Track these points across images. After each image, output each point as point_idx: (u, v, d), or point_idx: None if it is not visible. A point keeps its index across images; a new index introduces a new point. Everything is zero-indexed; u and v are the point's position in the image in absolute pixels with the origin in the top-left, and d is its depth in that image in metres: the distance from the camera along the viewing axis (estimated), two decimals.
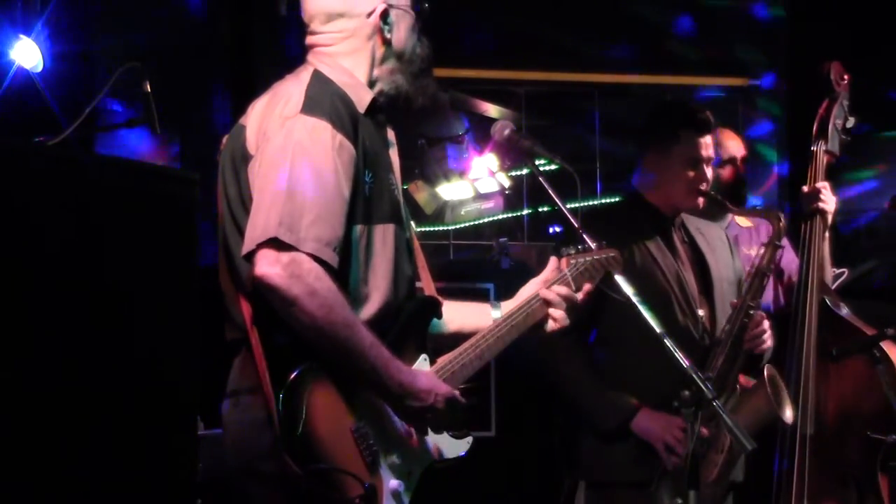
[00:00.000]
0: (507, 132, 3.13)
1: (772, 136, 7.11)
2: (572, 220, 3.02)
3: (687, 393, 2.87)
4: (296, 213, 2.50)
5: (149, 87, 3.52)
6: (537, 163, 3.12)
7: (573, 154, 7.44)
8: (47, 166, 2.28)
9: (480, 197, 6.62)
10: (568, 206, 3.03)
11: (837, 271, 5.09)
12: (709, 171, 3.79)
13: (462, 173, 6.47)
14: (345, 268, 2.61)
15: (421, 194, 6.43)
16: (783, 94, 7.00)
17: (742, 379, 3.67)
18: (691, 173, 3.75)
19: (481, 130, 6.41)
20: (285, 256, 2.47)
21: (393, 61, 2.81)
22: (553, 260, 3.04)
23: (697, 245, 3.86)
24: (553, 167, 3.18)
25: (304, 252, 2.48)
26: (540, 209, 7.40)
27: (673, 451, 3.50)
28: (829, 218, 3.97)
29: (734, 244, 4.03)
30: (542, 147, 3.12)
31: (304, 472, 2.44)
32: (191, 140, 5.58)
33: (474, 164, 6.43)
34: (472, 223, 7.13)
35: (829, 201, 3.96)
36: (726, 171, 4.44)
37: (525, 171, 6.91)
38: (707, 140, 3.79)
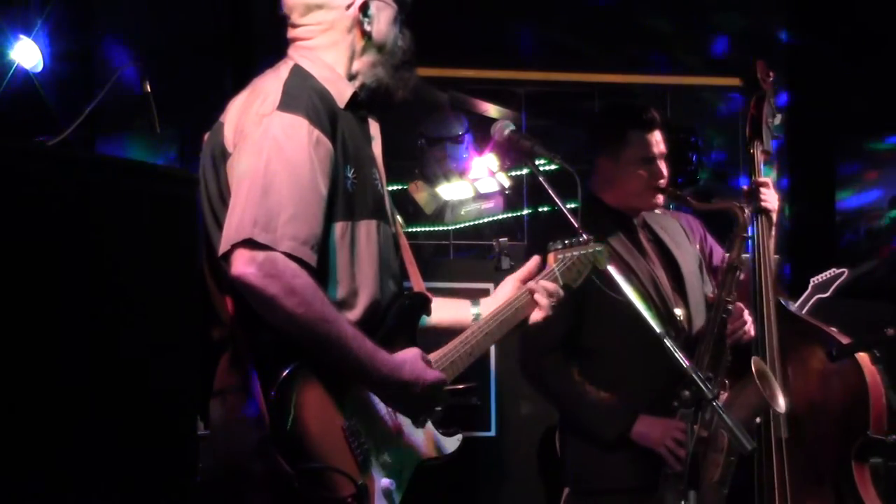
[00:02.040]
0: (507, 132, 3.13)
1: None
2: (572, 220, 3.01)
3: (687, 393, 2.87)
4: (272, 212, 2.48)
5: (149, 87, 3.52)
6: (537, 163, 3.12)
7: (573, 154, 7.42)
8: (47, 166, 2.27)
9: (480, 197, 6.60)
10: (568, 206, 3.02)
11: (837, 271, 5.09)
12: (663, 167, 3.77)
13: (462, 173, 6.45)
14: (327, 265, 2.60)
15: (421, 194, 6.41)
16: (784, 110, 7.00)
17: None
18: (645, 172, 3.74)
19: (481, 130, 6.40)
20: (261, 255, 2.46)
21: (373, 53, 2.78)
22: (534, 259, 3.02)
23: (663, 242, 3.84)
24: (553, 167, 3.17)
25: (280, 251, 2.47)
26: (540, 209, 7.39)
27: (675, 454, 3.48)
28: (774, 216, 3.94)
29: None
30: (542, 147, 3.12)
31: (295, 471, 2.43)
32: (191, 140, 5.57)
33: (474, 164, 6.42)
34: (472, 223, 7.12)
35: (771, 199, 3.93)
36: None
37: (525, 171, 6.90)
38: (656, 137, 3.77)
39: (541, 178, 3.03)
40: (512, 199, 7.09)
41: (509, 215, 7.32)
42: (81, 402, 2.25)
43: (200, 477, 2.94)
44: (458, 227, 7.09)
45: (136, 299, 2.36)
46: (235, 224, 2.50)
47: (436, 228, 7.01)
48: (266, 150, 2.54)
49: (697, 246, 4.08)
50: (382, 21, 2.80)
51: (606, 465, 3.64)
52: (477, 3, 6.91)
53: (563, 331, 3.61)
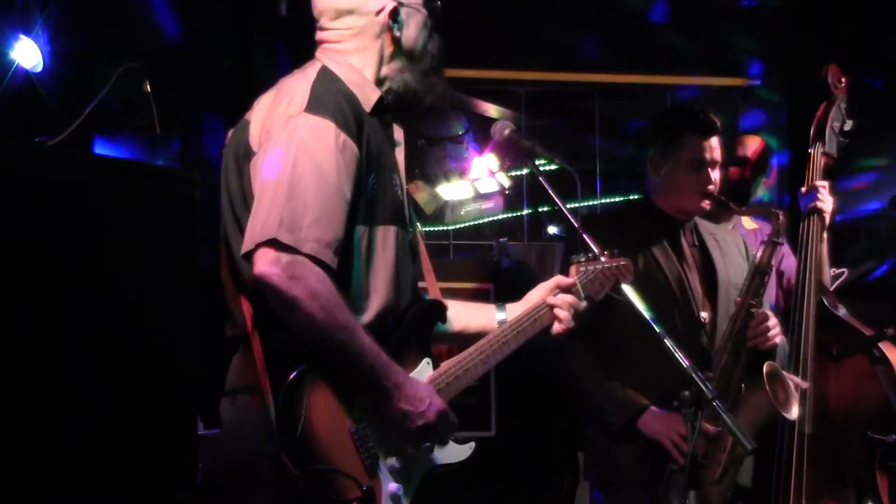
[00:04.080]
0: (507, 132, 3.13)
1: (771, 127, 7.09)
2: (573, 221, 3.01)
3: (687, 393, 2.87)
4: (297, 214, 2.48)
5: (149, 87, 3.52)
6: (537, 163, 3.12)
7: (573, 154, 7.43)
8: (47, 166, 2.28)
9: (480, 197, 6.60)
10: (568, 206, 3.02)
11: (837, 271, 5.09)
12: (714, 174, 3.79)
13: (462, 173, 6.46)
14: (346, 269, 2.59)
15: (421, 194, 6.42)
16: (782, 86, 6.99)
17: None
18: (695, 176, 3.76)
19: (481, 130, 6.40)
20: (286, 257, 2.46)
21: (402, 60, 2.78)
22: (573, 269, 3.03)
23: (707, 249, 3.85)
24: (553, 167, 3.17)
25: (303, 253, 2.47)
26: (540, 209, 7.39)
27: (679, 447, 3.50)
28: (827, 218, 3.96)
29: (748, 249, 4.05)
30: (542, 147, 3.12)
31: (301, 473, 2.43)
32: (191, 140, 5.57)
33: (474, 164, 6.42)
34: (472, 223, 7.12)
35: (826, 201, 3.95)
36: (734, 171, 4.49)
37: (525, 171, 6.90)
38: (712, 143, 3.78)
39: (541, 178, 3.02)
40: (512, 199, 7.09)
41: (509, 215, 7.32)
42: (81, 401, 2.25)
43: (205, 476, 2.95)
44: (458, 227, 7.10)
45: (135, 298, 2.36)
46: (260, 223, 2.50)
47: (436, 228, 7.01)
48: (293, 152, 2.53)
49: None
50: (412, 27, 2.79)
51: (618, 457, 3.66)
52: (476, 2, 6.91)
53: (587, 320, 3.65)
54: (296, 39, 2.88)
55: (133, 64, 3.46)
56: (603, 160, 7.52)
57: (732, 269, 3.86)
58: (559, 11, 6.95)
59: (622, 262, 3.04)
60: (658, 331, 2.83)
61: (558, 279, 3.00)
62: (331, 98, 2.62)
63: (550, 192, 3.00)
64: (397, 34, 2.77)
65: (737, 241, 3.99)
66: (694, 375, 2.79)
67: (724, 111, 7.24)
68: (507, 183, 6.51)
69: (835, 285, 4.79)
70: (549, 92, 7.55)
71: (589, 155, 7.53)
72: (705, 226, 3.93)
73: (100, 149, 4.78)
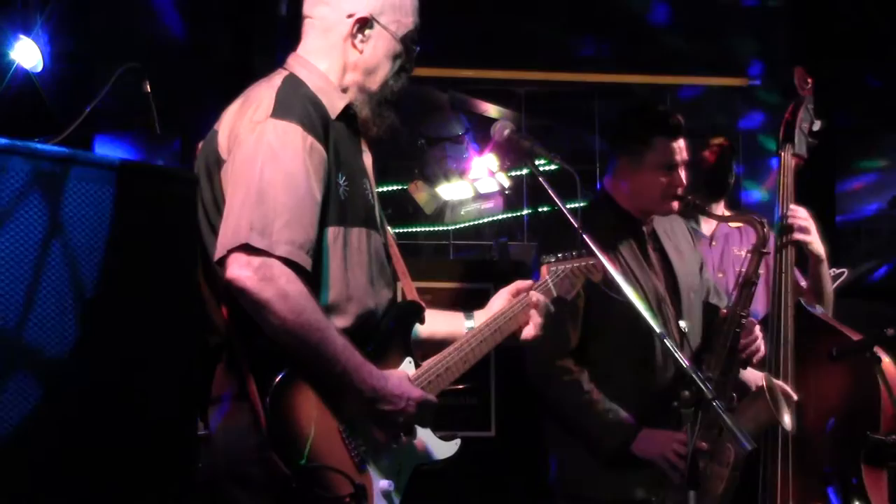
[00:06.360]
0: (506, 132, 3.13)
1: (770, 128, 7.09)
2: (572, 221, 3.02)
3: (687, 393, 2.87)
4: (268, 217, 2.50)
5: (148, 87, 3.52)
6: (537, 163, 3.12)
7: (573, 154, 7.43)
8: (49, 167, 2.27)
9: (480, 197, 6.60)
10: (568, 206, 3.03)
11: (837, 271, 5.08)
12: (683, 175, 3.78)
13: (462, 173, 6.46)
14: (319, 269, 2.61)
15: (421, 194, 6.42)
16: (782, 86, 6.99)
17: None
18: (665, 179, 3.74)
19: (481, 130, 6.41)
20: (257, 260, 2.48)
21: (360, 74, 2.79)
22: (528, 282, 3.04)
23: (666, 251, 3.85)
24: (553, 167, 3.17)
25: (276, 256, 2.48)
26: (540, 209, 7.40)
27: (675, 466, 3.48)
28: (801, 236, 3.91)
29: (719, 242, 4.08)
30: (542, 147, 3.12)
31: (293, 472, 2.43)
32: (191, 140, 5.57)
33: (474, 164, 6.42)
34: (472, 223, 7.12)
35: (805, 221, 3.91)
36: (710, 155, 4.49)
37: (525, 171, 6.91)
38: (680, 144, 3.77)
39: (541, 178, 3.03)
40: (512, 199, 7.09)
41: (509, 215, 7.32)
42: (79, 401, 2.25)
43: (204, 477, 2.94)
44: (458, 227, 7.10)
45: (135, 298, 2.36)
46: (231, 229, 2.52)
47: (436, 228, 7.02)
48: (261, 157, 2.56)
49: (744, 253, 4.12)
50: (379, 49, 2.80)
51: (603, 475, 3.63)
52: (476, 2, 6.91)
53: (574, 338, 3.63)
54: (296, 40, 2.87)
55: (133, 64, 3.45)
56: (603, 160, 7.53)
57: (689, 270, 3.86)
58: (559, 12, 6.95)
59: (591, 261, 3.05)
60: (658, 331, 2.83)
61: (517, 284, 3.01)
62: (297, 102, 2.64)
63: (550, 192, 3.01)
64: (360, 46, 2.78)
65: (684, 232, 3.99)
66: (694, 376, 2.79)
67: (724, 111, 7.28)
68: (507, 183, 6.51)
69: (835, 285, 4.80)
70: (549, 92, 7.55)
71: (589, 155, 7.53)
72: (659, 221, 3.90)
73: (100, 149, 4.77)
